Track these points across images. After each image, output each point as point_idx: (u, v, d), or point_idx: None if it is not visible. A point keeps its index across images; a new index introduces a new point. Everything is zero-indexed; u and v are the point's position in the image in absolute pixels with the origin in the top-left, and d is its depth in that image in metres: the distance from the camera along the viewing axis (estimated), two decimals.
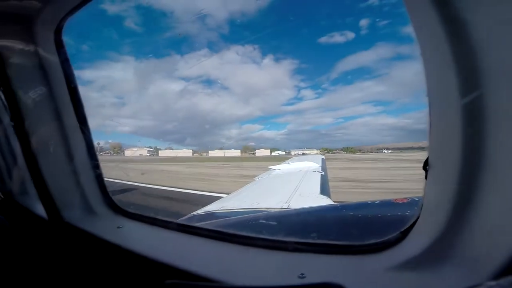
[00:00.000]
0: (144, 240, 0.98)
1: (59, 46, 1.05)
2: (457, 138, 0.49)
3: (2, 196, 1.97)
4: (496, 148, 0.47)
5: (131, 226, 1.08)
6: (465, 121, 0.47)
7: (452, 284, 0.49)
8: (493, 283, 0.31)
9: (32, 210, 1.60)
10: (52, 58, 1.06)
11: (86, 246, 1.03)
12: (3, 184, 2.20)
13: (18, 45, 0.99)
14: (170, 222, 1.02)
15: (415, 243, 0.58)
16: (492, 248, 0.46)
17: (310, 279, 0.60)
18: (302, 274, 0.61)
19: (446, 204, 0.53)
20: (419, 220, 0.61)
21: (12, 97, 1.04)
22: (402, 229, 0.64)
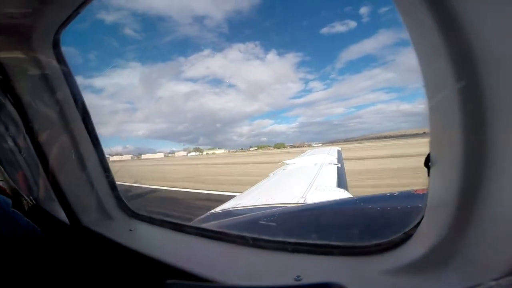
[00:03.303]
0: (154, 242, 1.01)
1: (59, 58, 1.08)
2: (458, 129, 0.45)
3: (33, 203, 2.13)
4: (503, 138, 0.41)
5: (143, 229, 1.12)
6: (465, 109, 0.42)
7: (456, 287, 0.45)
8: (493, 283, 0.30)
9: (56, 216, 1.72)
10: (54, 70, 1.09)
11: (101, 249, 1.09)
12: (33, 192, 2.39)
13: (21, 58, 1.04)
14: (178, 224, 1.05)
15: (418, 245, 0.54)
16: (499, 250, 0.41)
17: (307, 281, 0.59)
18: (298, 276, 0.60)
19: (450, 203, 0.48)
20: (423, 220, 0.57)
21: (23, 110, 1.10)
22: (406, 230, 0.60)
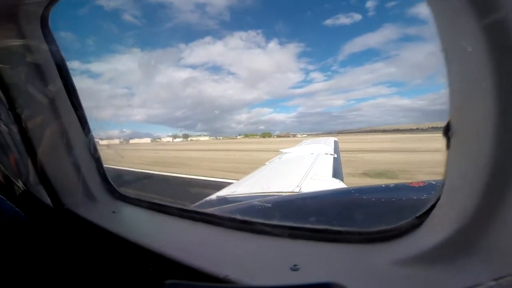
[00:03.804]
0: (137, 225, 0.95)
1: (48, 38, 1.00)
2: (488, 89, 0.36)
3: (24, 188, 2.05)
4: None
5: (126, 211, 1.05)
6: (497, 59, 0.34)
7: (474, 282, 0.38)
8: (493, 283, 0.30)
9: (42, 200, 1.65)
10: (42, 50, 1.01)
11: (83, 232, 1.02)
12: (22, 177, 2.30)
13: (6, 37, 0.94)
14: (165, 206, 0.98)
15: (433, 232, 0.47)
16: None
17: (304, 271, 0.52)
18: (295, 265, 0.53)
19: (474, 182, 0.41)
20: (439, 202, 0.49)
21: (8, 91, 1.03)
22: (418, 214, 0.53)
